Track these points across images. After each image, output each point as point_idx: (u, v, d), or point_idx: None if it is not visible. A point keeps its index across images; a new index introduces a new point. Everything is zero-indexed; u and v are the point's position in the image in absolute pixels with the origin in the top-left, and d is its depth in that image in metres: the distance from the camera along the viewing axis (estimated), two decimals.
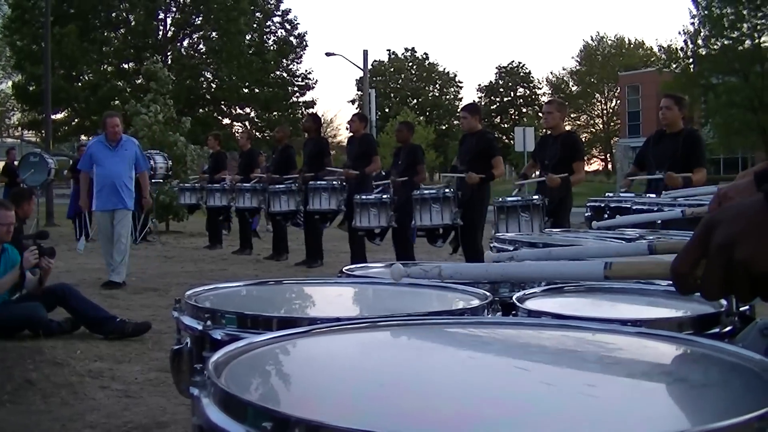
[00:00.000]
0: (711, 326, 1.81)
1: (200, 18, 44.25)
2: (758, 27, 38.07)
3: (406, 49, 75.44)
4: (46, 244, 6.39)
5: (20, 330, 6.28)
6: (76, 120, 43.17)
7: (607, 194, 7.02)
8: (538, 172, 8.53)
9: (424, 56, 75.08)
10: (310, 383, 1.26)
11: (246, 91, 44.93)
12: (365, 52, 36.93)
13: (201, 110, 44.13)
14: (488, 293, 1.99)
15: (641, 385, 1.24)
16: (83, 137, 43.76)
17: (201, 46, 45.77)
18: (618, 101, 69.73)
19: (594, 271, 1.34)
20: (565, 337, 1.52)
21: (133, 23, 42.96)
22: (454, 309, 1.88)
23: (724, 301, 1.95)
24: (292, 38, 46.97)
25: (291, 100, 46.89)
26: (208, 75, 45.40)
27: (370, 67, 42.53)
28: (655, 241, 1.29)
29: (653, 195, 6.51)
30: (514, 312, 1.89)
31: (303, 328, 1.53)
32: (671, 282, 1.13)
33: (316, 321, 1.62)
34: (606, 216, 6.08)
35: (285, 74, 47.01)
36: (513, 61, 76.99)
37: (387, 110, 64.78)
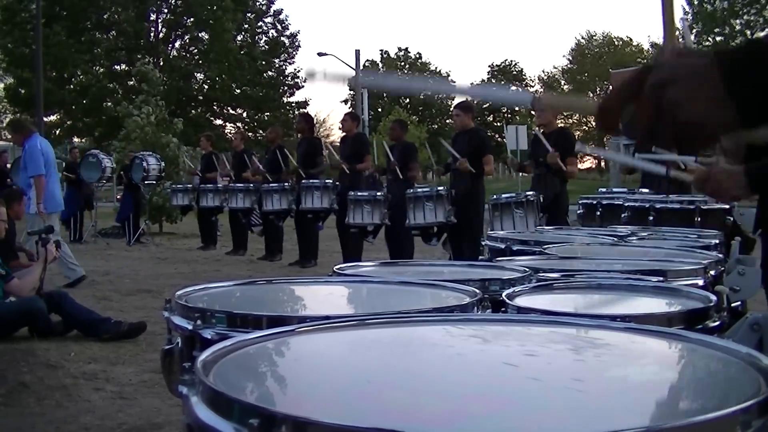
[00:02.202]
0: (700, 321, 1.81)
1: (191, 19, 44.14)
2: (751, 23, 38.17)
3: (399, 49, 75.46)
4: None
5: (19, 327, 6.29)
6: (68, 122, 43.06)
7: (599, 190, 7.04)
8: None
9: (417, 56, 75.09)
10: (298, 381, 1.26)
11: (238, 91, 44.86)
12: (357, 52, 36.97)
13: (193, 111, 44.05)
14: (478, 291, 2.00)
15: (629, 380, 1.24)
16: (75, 139, 43.71)
17: (192, 47, 45.69)
18: None
19: (522, 98, 1.34)
20: (553, 333, 1.52)
21: (123, 25, 42.82)
22: (444, 306, 1.88)
23: (713, 296, 1.95)
24: (283, 38, 46.90)
25: (283, 101, 46.82)
26: (200, 76, 45.31)
27: (362, 66, 42.49)
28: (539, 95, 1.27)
29: (646, 190, 6.53)
30: (503, 309, 1.89)
31: (291, 326, 1.53)
32: (594, 117, 1.11)
33: (305, 319, 1.62)
34: (598, 214, 6.10)
35: (277, 74, 46.94)
36: (506, 60, 77.12)
37: (379, 110, 64.74)
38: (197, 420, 1.04)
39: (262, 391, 1.22)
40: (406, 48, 75.52)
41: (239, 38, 45.09)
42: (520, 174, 9.83)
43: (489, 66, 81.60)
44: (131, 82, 36.33)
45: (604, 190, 7.51)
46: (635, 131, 1.06)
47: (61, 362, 5.56)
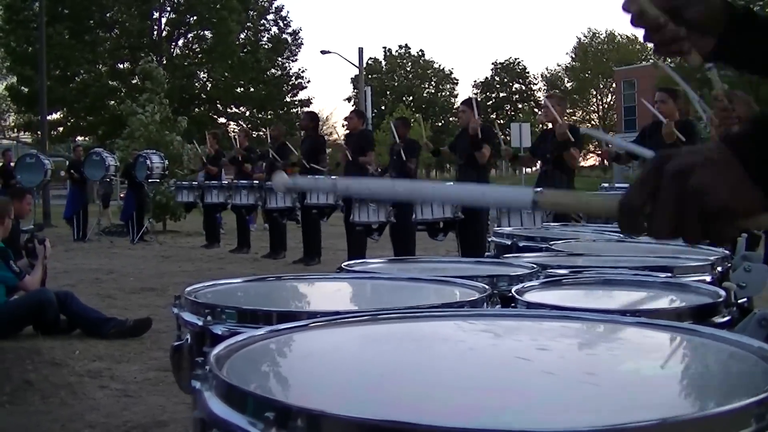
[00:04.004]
0: (709, 316, 1.81)
1: (194, 18, 44.13)
2: None
3: (400, 47, 75.45)
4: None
5: (30, 321, 6.32)
6: (71, 120, 43.07)
7: (602, 185, 7.02)
8: (538, 166, 8.52)
9: (420, 53, 75.08)
10: (310, 375, 1.26)
11: (241, 90, 44.85)
12: (360, 50, 36.93)
13: (196, 110, 44.01)
14: (487, 287, 2.00)
15: (641, 373, 1.24)
16: (79, 138, 43.74)
17: (195, 45, 45.68)
18: (613, 96, 69.80)
19: (522, 198, 1.30)
20: (565, 328, 1.52)
21: (126, 24, 42.81)
22: (454, 302, 1.88)
23: (722, 292, 1.95)
24: (286, 36, 46.86)
25: (286, 99, 46.79)
26: (203, 74, 45.30)
27: (365, 64, 42.50)
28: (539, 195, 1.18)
29: None
30: (513, 305, 1.89)
31: (303, 321, 1.53)
32: (616, 220, 1.05)
33: (315, 315, 1.62)
34: None
35: (280, 73, 46.90)
36: (509, 57, 77.02)
37: (383, 108, 64.74)
38: (211, 414, 1.03)
39: (275, 385, 1.22)
40: (406, 44, 75.55)
41: (242, 36, 45.06)
42: (524, 171, 9.83)
43: (492, 63, 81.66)
44: (134, 81, 36.35)
45: (606, 185, 7.48)
46: (660, 226, 1.01)
47: (65, 360, 5.56)
